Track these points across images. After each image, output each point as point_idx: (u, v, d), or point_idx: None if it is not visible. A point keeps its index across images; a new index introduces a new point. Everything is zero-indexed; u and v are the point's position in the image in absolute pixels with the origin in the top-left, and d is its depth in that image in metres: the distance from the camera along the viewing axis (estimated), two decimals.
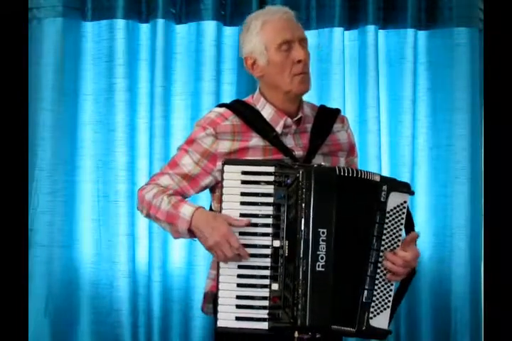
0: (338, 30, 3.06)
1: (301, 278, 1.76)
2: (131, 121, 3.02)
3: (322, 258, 1.77)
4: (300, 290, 1.76)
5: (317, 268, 1.76)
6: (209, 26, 3.02)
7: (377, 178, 1.86)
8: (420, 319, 3.10)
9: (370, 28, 3.06)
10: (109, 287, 3.00)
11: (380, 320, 1.84)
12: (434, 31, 3.13)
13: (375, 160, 3.04)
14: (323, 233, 1.77)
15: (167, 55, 3.03)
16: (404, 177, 3.06)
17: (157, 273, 3.00)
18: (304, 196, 1.78)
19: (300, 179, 1.78)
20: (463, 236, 3.07)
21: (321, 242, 1.77)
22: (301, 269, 1.76)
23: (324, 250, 1.77)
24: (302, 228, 1.77)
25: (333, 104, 3.00)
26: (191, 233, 1.88)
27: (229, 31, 3.09)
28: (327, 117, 2.06)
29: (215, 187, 1.98)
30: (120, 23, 3.00)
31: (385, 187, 1.85)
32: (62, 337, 2.99)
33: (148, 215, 1.98)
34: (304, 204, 1.78)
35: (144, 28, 3.06)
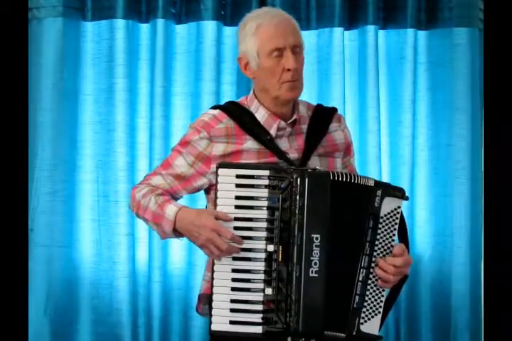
0: (338, 30, 3.05)
1: (294, 283, 1.76)
2: (131, 121, 3.02)
3: (316, 264, 1.76)
4: (293, 296, 1.76)
5: (310, 274, 1.76)
6: (209, 26, 3.02)
7: (372, 183, 1.85)
8: (420, 319, 3.10)
9: (370, 28, 3.06)
10: (109, 287, 2.99)
11: (371, 326, 1.84)
12: (434, 31, 3.13)
13: (375, 160, 3.03)
14: (316, 239, 1.77)
15: (167, 55, 3.03)
16: (404, 177, 3.07)
17: (157, 273, 3.00)
18: (297, 201, 1.77)
19: (294, 184, 1.78)
20: (463, 236, 3.07)
21: (314, 248, 1.76)
22: (294, 275, 1.76)
23: (318, 256, 1.76)
24: (296, 233, 1.77)
25: (333, 104, 2.99)
26: (177, 233, 1.89)
27: (229, 31, 3.09)
28: (323, 117, 2.05)
29: (210, 189, 1.98)
30: (120, 23, 2.99)
31: (379, 192, 1.84)
32: (62, 337, 2.99)
33: (137, 215, 1.99)
34: (297, 210, 1.77)
35: (144, 28, 3.06)
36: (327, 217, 1.78)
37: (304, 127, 2.01)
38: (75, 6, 3.01)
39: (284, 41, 1.90)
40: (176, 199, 2.01)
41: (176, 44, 3.09)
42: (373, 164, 3.03)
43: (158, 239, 2.94)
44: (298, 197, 1.77)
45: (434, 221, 3.12)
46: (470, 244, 3.07)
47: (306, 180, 1.77)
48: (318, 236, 1.77)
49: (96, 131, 3.03)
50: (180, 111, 3.08)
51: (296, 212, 1.77)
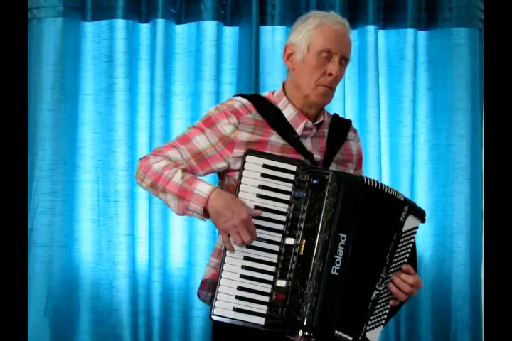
0: None
1: (314, 278, 1.75)
2: (131, 121, 3.02)
3: (338, 262, 1.75)
4: (311, 290, 1.74)
5: (332, 272, 1.75)
6: (209, 26, 3.02)
7: (402, 198, 1.86)
8: (420, 319, 3.10)
9: (370, 28, 3.06)
10: (109, 287, 3.00)
11: (374, 334, 1.84)
12: (434, 31, 3.14)
13: (375, 160, 3.04)
14: (343, 238, 1.76)
15: (167, 55, 3.03)
16: (404, 177, 3.07)
17: (157, 273, 3.00)
18: (331, 198, 1.76)
19: (329, 181, 1.77)
20: (463, 236, 3.07)
21: (339, 247, 1.76)
22: (316, 270, 1.75)
23: (341, 255, 1.75)
24: (324, 230, 1.76)
25: (333, 104, 2.98)
26: (205, 212, 1.82)
27: (229, 31, 3.09)
28: (342, 124, 2.08)
29: (224, 175, 1.96)
30: (120, 23, 3.00)
31: (406, 208, 1.86)
32: (62, 337, 2.99)
33: (152, 186, 1.88)
34: (329, 207, 1.76)
35: (144, 28, 3.06)
36: (356, 219, 1.78)
37: (326, 131, 2.02)
38: (75, 6, 3.01)
39: (338, 48, 1.91)
40: None
41: (176, 44, 3.09)
42: (373, 164, 3.03)
43: (159, 239, 2.99)
44: (332, 195, 1.76)
45: (434, 221, 3.12)
46: (470, 244, 3.07)
47: (343, 179, 1.77)
48: (345, 236, 1.76)
49: (96, 131, 3.03)
50: (181, 111, 3.08)
51: (327, 209, 1.76)
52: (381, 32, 3.13)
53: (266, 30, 3.05)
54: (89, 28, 3.04)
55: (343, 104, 3.04)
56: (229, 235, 1.78)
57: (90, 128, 3.04)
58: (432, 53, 3.14)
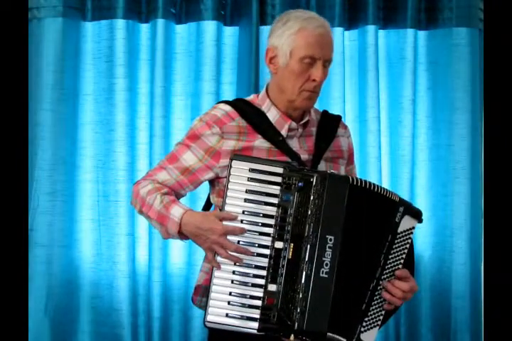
0: (338, 30, 3.05)
1: (303, 282, 1.74)
2: (131, 121, 3.02)
3: (327, 264, 1.74)
4: (301, 294, 1.74)
5: (321, 274, 1.74)
6: (209, 26, 3.02)
7: (396, 198, 1.85)
8: (420, 319, 3.10)
9: (370, 28, 3.06)
10: (109, 287, 3.00)
11: (369, 336, 1.83)
12: (434, 31, 3.14)
13: (375, 160, 3.04)
14: (330, 240, 1.75)
15: (167, 55, 3.03)
16: (404, 177, 3.07)
17: (157, 273, 3.00)
18: (316, 201, 1.76)
19: (314, 184, 1.77)
20: (463, 236, 3.07)
21: (327, 249, 1.75)
22: (304, 273, 1.75)
23: (330, 257, 1.75)
24: (310, 232, 1.75)
25: (333, 104, 3.01)
26: (182, 235, 1.88)
27: (229, 31, 3.09)
28: (331, 121, 2.07)
29: (215, 181, 1.98)
30: (120, 23, 2.99)
31: (401, 209, 1.85)
32: (62, 337, 2.99)
33: (140, 212, 1.97)
34: (314, 209, 1.76)
35: (144, 28, 3.06)
36: (344, 220, 1.76)
37: (313, 129, 2.02)
38: (75, 6, 3.01)
39: (321, 53, 1.89)
40: (181, 195, 2.00)
41: (176, 44, 3.09)
42: (373, 164, 3.03)
43: (159, 239, 2.99)
44: (316, 197, 1.76)
45: (434, 221, 3.12)
46: (470, 244, 3.07)
47: (327, 181, 1.76)
48: (332, 237, 1.75)
49: (96, 131, 3.03)
50: (180, 111, 3.08)
51: (313, 211, 1.76)
52: (381, 32, 3.13)
53: (266, 30, 3.04)
54: (89, 28, 3.04)
55: (343, 104, 3.04)
56: (214, 253, 1.82)
57: (90, 128, 3.04)
58: (431, 53, 3.14)
